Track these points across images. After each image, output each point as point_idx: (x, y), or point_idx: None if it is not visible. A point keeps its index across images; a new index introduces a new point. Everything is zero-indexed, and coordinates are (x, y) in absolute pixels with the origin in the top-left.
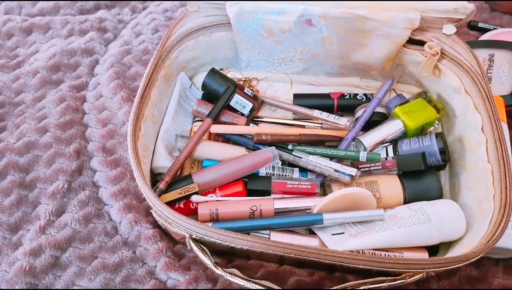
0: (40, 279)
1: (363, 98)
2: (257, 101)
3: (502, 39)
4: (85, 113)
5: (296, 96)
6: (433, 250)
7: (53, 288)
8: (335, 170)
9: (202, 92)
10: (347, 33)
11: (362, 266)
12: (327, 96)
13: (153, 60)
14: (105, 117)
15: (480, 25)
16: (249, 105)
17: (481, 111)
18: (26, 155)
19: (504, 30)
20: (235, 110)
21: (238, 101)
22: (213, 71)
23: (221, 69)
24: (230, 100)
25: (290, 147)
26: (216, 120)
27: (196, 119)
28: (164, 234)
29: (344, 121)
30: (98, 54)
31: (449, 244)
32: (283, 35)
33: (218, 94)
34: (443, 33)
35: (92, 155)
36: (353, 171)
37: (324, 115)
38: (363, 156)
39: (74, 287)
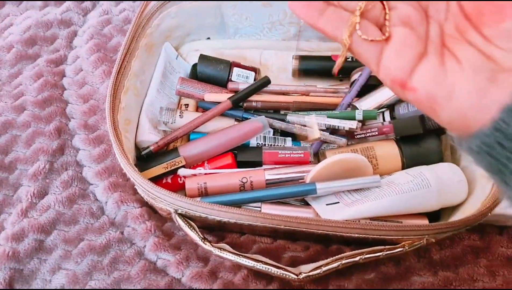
0: (24, 264)
1: None
2: (257, 70)
3: None
4: (64, 88)
5: (296, 58)
6: (434, 217)
7: (39, 272)
8: (333, 130)
9: (191, 64)
10: None
11: (357, 235)
12: (328, 58)
13: (132, 27)
14: (86, 93)
15: None
16: (252, 74)
17: None
18: (3, 135)
19: None
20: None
21: (240, 73)
22: (202, 57)
23: (208, 38)
24: (231, 75)
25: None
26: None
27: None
28: (153, 212)
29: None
30: (76, 25)
31: (450, 211)
32: None
33: (215, 77)
34: None
35: (74, 133)
36: (353, 124)
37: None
38: (359, 114)
39: (60, 271)
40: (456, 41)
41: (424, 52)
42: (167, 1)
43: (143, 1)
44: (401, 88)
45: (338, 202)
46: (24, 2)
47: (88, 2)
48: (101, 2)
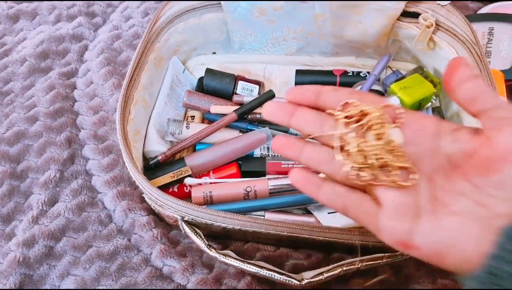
0: (34, 270)
1: (366, 76)
2: (261, 84)
3: (501, 12)
4: (75, 100)
5: (298, 72)
6: None
7: (48, 278)
8: None
9: (197, 78)
10: (340, 9)
11: (358, 242)
12: (329, 72)
13: (142, 42)
14: (96, 104)
15: None
16: (256, 87)
17: None
18: (16, 145)
19: (505, 3)
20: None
21: (245, 87)
22: (209, 71)
23: (214, 53)
24: (236, 88)
25: None
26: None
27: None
28: (159, 220)
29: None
30: (87, 39)
31: None
32: (275, 13)
33: (220, 90)
34: (438, 3)
35: (84, 143)
36: None
37: None
38: None
39: (69, 276)
40: (448, 193)
41: (418, 212)
42: (177, 17)
43: (153, 17)
44: (404, 248)
45: None
46: (38, 17)
47: (99, 17)
48: (111, 18)
